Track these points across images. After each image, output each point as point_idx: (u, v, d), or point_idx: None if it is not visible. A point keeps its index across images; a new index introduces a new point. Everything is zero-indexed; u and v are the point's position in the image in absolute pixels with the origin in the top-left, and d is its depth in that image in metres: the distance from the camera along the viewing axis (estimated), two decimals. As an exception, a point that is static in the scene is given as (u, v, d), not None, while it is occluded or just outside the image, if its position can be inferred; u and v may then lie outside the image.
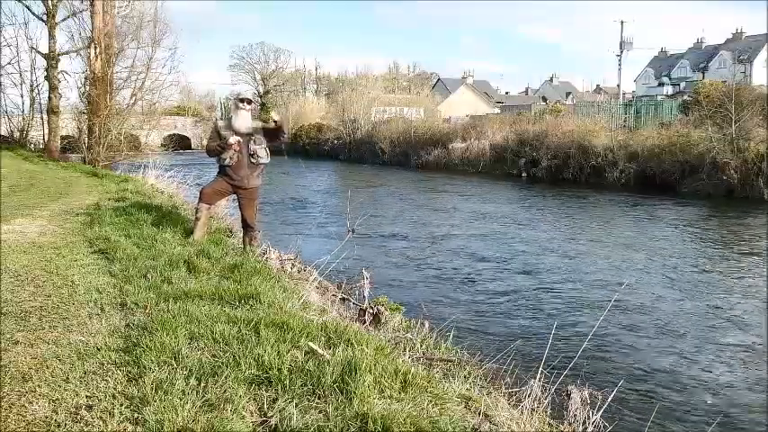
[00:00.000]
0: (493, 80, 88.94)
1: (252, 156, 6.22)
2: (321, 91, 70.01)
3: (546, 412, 3.74)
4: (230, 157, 6.16)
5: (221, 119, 8.25)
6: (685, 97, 33.42)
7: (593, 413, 3.85)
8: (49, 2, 20.64)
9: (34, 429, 2.50)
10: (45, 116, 21.75)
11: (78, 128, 20.15)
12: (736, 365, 6.56)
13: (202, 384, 2.84)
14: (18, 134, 23.82)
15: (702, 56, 61.82)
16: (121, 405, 2.68)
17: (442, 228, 15.41)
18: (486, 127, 33.23)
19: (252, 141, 6.21)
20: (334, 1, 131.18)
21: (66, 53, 20.76)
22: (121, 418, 2.58)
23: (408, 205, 19.90)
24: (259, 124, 6.37)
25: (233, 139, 6.09)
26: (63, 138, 21.51)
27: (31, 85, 23.00)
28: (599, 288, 9.64)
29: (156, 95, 20.75)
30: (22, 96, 23.20)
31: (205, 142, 6.66)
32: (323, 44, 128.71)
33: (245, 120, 6.23)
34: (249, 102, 6.35)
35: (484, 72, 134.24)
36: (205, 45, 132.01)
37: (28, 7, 21.25)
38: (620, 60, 47.47)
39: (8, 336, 3.50)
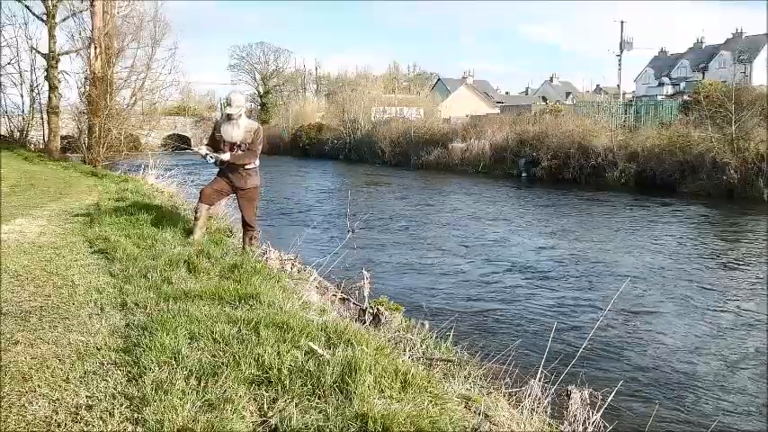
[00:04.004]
0: (493, 80, 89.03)
1: None
2: (321, 91, 69.95)
3: (546, 412, 3.73)
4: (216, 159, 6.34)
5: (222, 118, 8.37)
6: (685, 97, 33.38)
7: (593, 413, 3.85)
8: (49, 2, 20.63)
9: (34, 429, 2.50)
10: (45, 116, 21.71)
11: (78, 128, 20.11)
12: (736, 365, 6.56)
13: (202, 384, 2.84)
14: (18, 134, 23.77)
15: (702, 56, 61.80)
16: (121, 405, 2.68)
17: (442, 228, 15.42)
18: (486, 127, 33.17)
19: (239, 148, 6.33)
20: (334, 1, 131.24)
21: (67, 53, 20.76)
22: (121, 418, 2.58)
23: (408, 205, 19.90)
24: (251, 134, 6.39)
25: (203, 151, 6.38)
26: (63, 138, 21.50)
27: (31, 85, 22.98)
28: (599, 288, 9.64)
29: (156, 95, 20.79)
30: (22, 96, 23.19)
31: (206, 142, 6.73)
32: (323, 44, 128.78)
33: (236, 130, 6.31)
34: (237, 116, 6.33)
35: (484, 72, 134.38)
36: (205, 45, 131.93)
37: (28, 7, 21.27)
38: (620, 60, 47.48)
39: (8, 336, 3.50)
